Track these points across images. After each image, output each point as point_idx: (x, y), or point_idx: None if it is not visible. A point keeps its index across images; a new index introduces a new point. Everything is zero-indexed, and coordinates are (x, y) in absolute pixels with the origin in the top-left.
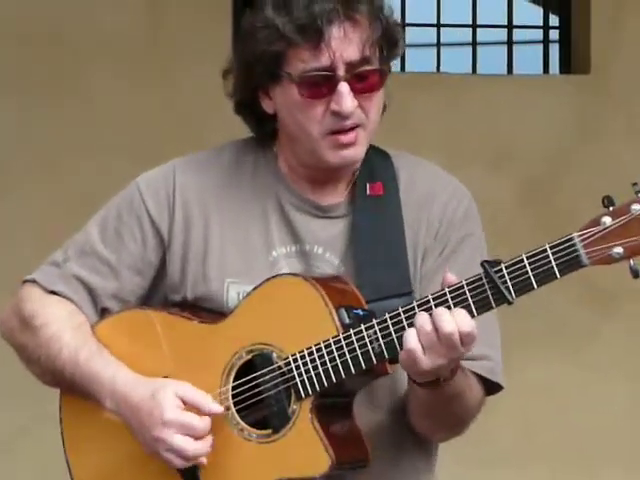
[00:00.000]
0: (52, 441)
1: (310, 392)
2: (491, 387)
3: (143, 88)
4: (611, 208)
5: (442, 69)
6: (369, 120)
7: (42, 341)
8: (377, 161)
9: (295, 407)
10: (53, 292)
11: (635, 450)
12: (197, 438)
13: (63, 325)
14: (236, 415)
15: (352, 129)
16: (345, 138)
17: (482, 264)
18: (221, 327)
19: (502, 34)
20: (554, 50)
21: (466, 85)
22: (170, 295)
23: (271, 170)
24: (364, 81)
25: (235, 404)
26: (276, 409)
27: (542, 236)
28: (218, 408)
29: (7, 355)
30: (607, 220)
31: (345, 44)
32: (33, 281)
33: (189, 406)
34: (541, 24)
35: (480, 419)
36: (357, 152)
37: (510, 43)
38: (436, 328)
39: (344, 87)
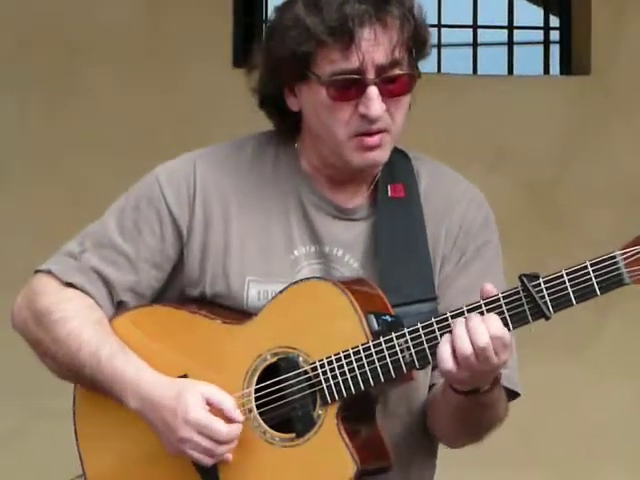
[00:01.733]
0: (50, 439)
1: (337, 398)
2: (507, 394)
3: (143, 86)
4: None
5: (443, 70)
6: (395, 124)
7: (60, 337)
8: (397, 162)
9: (321, 412)
10: (69, 284)
11: (635, 449)
12: (221, 443)
13: (82, 321)
14: (259, 418)
15: (378, 132)
16: (371, 141)
17: (520, 277)
18: (245, 328)
19: (503, 35)
20: (554, 51)
21: (467, 86)
22: (187, 290)
23: (292, 168)
24: (393, 85)
25: (257, 407)
26: (301, 413)
27: (542, 237)
28: (239, 417)
29: (3, 354)
30: None
31: (375, 47)
32: (48, 272)
33: (214, 408)
34: (542, 25)
35: None
36: (382, 155)
37: (511, 44)
38: (472, 342)
39: (373, 91)
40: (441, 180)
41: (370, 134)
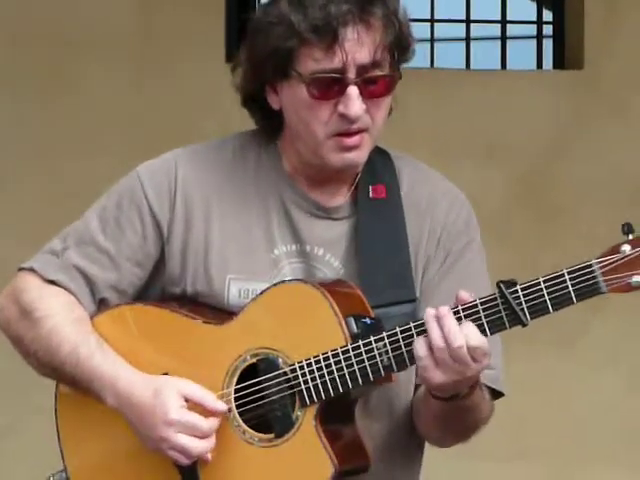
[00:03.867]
0: (42, 436)
1: (315, 400)
2: (492, 394)
3: (137, 82)
4: (630, 236)
5: (436, 64)
6: (374, 125)
7: (41, 334)
8: (379, 162)
9: (299, 413)
10: (51, 281)
11: (625, 445)
12: (202, 437)
13: (62, 318)
14: (238, 417)
15: (357, 132)
16: (349, 141)
17: (497, 284)
18: (225, 329)
19: (496, 29)
20: (547, 45)
21: (459, 80)
22: (169, 288)
23: (274, 167)
24: (374, 86)
25: (237, 407)
26: (280, 414)
27: (535, 231)
28: (223, 406)
29: None
30: (627, 248)
31: (358, 47)
32: (31, 269)
33: (192, 404)
34: (535, 19)
35: None
36: (360, 156)
37: (504, 38)
38: (447, 344)
39: (353, 90)
40: (423, 180)
41: (349, 134)
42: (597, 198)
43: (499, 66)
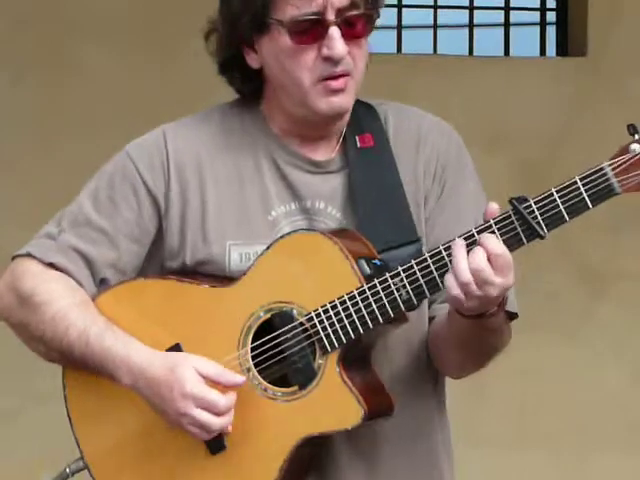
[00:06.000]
0: (42, 423)
1: (337, 345)
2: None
3: (140, 63)
4: (637, 136)
5: (439, 51)
6: (357, 69)
7: (46, 319)
8: (363, 112)
9: (321, 362)
10: (50, 264)
11: (628, 431)
12: (220, 414)
13: (67, 302)
14: (258, 376)
15: (342, 75)
16: (335, 84)
17: (510, 201)
18: (234, 289)
19: (499, 16)
20: (551, 32)
21: (463, 67)
22: (168, 262)
23: (261, 130)
24: (353, 26)
25: (256, 365)
26: (301, 366)
27: None
28: (240, 379)
29: None
30: (636, 147)
31: None
32: (27, 255)
33: (209, 382)
34: (538, 6)
35: (473, 401)
36: (346, 100)
37: (507, 25)
38: (470, 267)
39: (335, 31)
40: (406, 117)
41: (335, 77)
42: None
43: (502, 53)
